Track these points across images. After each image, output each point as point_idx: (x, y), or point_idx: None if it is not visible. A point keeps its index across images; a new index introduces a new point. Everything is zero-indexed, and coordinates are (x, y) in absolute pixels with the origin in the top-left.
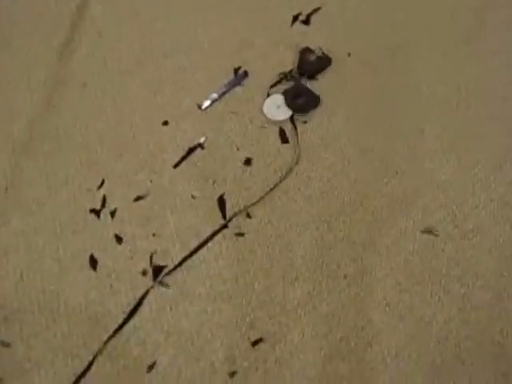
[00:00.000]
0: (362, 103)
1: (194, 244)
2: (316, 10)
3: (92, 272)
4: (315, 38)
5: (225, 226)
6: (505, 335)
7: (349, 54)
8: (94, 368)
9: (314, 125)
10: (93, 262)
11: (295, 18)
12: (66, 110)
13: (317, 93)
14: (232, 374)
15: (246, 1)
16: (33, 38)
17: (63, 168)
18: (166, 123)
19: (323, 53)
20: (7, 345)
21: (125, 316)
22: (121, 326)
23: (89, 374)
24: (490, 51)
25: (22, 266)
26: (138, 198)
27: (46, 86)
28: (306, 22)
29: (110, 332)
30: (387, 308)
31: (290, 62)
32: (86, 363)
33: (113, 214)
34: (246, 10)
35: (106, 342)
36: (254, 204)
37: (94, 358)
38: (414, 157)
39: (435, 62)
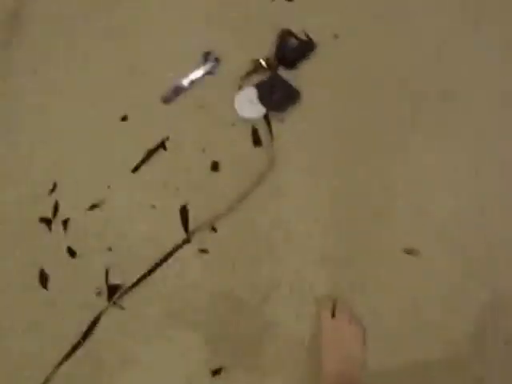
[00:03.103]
0: (347, 97)
1: (153, 260)
2: None
3: (41, 290)
4: (299, 17)
5: (187, 241)
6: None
7: (336, 36)
8: None
9: (291, 124)
10: (43, 279)
11: None
12: (16, 98)
13: (297, 85)
14: None
15: None
16: None
17: (11, 165)
18: (124, 118)
19: (307, 36)
20: None
21: (78, 339)
22: (73, 350)
23: None
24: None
25: None
26: (93, 207)
27: None
28: None
29: (63, 354)
30: None
31: (267, 46)
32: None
33: (65, 223)
34: None
35: (57, 366)
36: (219, 216)
37: (46, 381)
38: (404, 164)
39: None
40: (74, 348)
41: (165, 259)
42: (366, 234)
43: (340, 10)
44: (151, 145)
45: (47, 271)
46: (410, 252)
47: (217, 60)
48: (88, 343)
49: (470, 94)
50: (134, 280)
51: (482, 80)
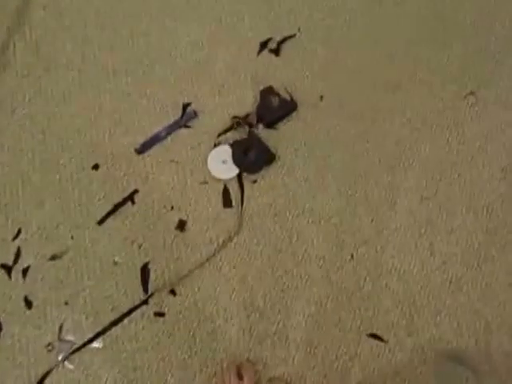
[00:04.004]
0: (325, 163)
1: (108, 319)
2: (289, 37)
3: None
4: (283, 74)
5: (144, 302)
6: None
7: (321, 98)
8: None
9: (264, 186)
10: None
11: (263, 46)
12: None
13: (274, 146)
14: None
15: (209, 16)
16: None
17: None
18: (96, 167)
19: (290, 95)
20: None
21: None
22: None
23: None
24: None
25: None
26: (55, 257)
27: None
28: (276, 51)
29: None
30: None
31: (248, 103)
32: None
33: (25, 272)
34: (207, 27)
35: None
36: (180, 279)
37: None
38: (377, 237)
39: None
40: None
41: (120, 319)
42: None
43: (329, 71)
44: (120, 197)
45: (2, 320)
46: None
47: (195, 113)
48: None
49: None
50: (87, 338)
51: None
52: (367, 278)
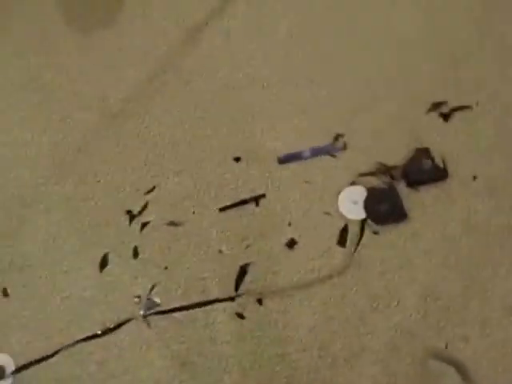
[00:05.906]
0: (453, 243)
1: (194, 299)
2: (464, 107)
3: (97, 271)
4: (444, 142)
5: (231, 299)
6: None
7: (474, 178)
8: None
9: (383, 241)
10: (103, 263)
11: (435, 107)
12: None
13: (409, 207)
14: None
15: (388, 59)
16: None
17: (129, 159)
18: (238, 159)
19: (444, 164)
20: None
21: (100, 331)
22: (89, 337)
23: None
24: None
25: None
26: (172, 224)
27: None
28: (446, 117)
29: (81, 337)
30: None
31: (399, 156)
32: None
33: (144, 225)
34: (384, 69)
35: (71, 345)
36: (272, 292)
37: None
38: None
39: None
40: (89, 337)
41: (205, 304)
42: None
43: (493, 156)
44: (248, 194)
45: (109, 257)
46: None
47: (345, 145)
48: (106, 338)
49: None
50: (171, 307)
51: None
52: None
